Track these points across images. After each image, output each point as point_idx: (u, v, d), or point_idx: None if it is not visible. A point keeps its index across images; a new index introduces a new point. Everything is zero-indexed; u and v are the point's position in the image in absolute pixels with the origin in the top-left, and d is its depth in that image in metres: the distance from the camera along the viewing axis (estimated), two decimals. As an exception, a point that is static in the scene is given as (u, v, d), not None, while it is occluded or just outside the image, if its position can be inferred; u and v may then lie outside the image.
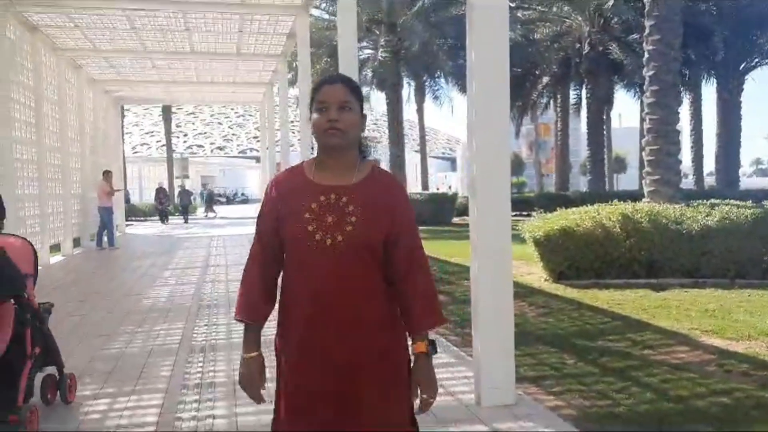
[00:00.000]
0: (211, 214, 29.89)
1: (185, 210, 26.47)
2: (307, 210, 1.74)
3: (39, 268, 3.68)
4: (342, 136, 1.75)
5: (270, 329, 1.87)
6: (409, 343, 1.84)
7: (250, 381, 1.84)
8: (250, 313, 1.84)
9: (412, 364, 1.83)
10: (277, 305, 1.87)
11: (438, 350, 1.87)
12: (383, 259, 1.79)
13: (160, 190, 26.00)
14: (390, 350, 1.81)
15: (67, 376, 3.74)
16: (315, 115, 1.78)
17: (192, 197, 30.61)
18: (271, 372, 1.85)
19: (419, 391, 1.80)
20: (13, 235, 3.66)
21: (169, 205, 26.63)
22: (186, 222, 24.92)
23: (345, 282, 1.72)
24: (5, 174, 9.04)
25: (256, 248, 1.87)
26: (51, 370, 3.72)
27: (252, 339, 1.85)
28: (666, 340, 5.39)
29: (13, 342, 3.26)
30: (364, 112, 1.87)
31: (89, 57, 13.69)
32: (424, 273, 1.85)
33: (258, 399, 1.85)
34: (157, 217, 25.58)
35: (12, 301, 3.33)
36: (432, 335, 1.87)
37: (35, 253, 3.62)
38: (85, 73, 14.85)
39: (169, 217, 25.83)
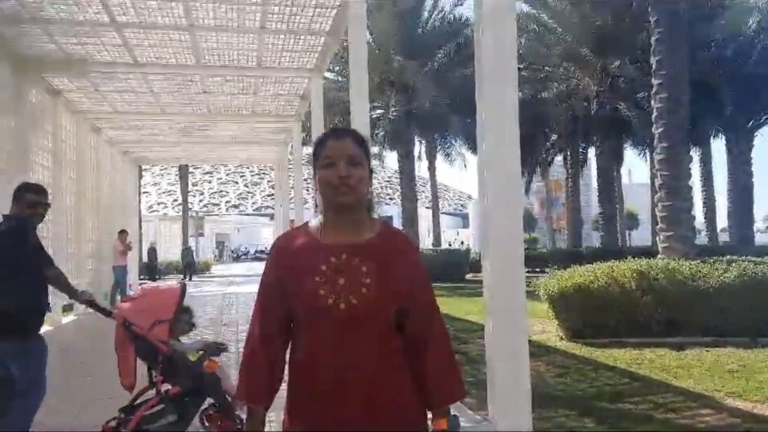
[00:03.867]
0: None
1: (189, 268, 26.76)
2: (317, 272, 1.61)
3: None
4: (353, 193, 1.63)
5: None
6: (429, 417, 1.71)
7: None
8: (254, 396, 1.70)
9: None
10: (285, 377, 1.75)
11: (460, 427, 1.72)
12: (398, 323, 1.67)
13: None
14: (413, 422, 1.67)
15: (216, 411, 4.08)
16: (322, 172, 1.65)
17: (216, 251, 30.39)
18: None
19: None
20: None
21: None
22: (189, 279, 25.02)
23: (362, 348, 1.59)
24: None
25: (258, 322, 1.72)
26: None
27: (257, 423, 1.70)
28: (689, 402, 5.24)
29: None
30: (372, 166, 1.75)
31: (109, 119, 14.05)
32: (442, 340, 1.73)
33: None
34: (181, 275, 26.17)
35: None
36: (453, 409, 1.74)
37: (180, 297, 3.94)
38: (104, 135, 15.22)
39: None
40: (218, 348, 4.20)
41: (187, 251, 28.01)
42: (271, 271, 1.72)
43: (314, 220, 1.75)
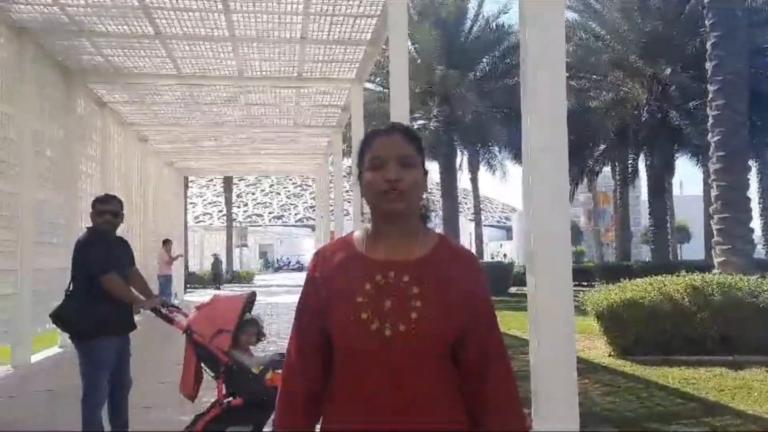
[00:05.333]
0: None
1: (217, 277, 27.56)
2: (360, 292, 1.40)
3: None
4: (404, 199, 1.41)
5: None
6: None
7: None
8: (293, 427, 1.52)
9: None
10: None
11: None
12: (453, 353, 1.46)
13: (216, 261, 28.25)
14: None
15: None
16: (368, 174, 1.44)
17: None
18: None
19: None
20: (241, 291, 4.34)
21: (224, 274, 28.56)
22: (217, 289, 25.44)
23: (410, 384, 1.37)
24: (71, 243, 9.33)
25: (295, 346, 1.53)
26: None
27: None
28: (748, 425, 4.90)
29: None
30: (426, 168, 1.52)
31: (154, 130, 14.34)
32: (503, 374, 1.49)
33: None
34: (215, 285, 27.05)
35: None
36: None
37: (244, 307, 3.88)
38: (150, 146, 15.53)
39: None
40: (279, 357, 3.98)
41: (216, 262, 28.58)
42: (309, 286, 1.52)
43: (359, 230, 1.54)
